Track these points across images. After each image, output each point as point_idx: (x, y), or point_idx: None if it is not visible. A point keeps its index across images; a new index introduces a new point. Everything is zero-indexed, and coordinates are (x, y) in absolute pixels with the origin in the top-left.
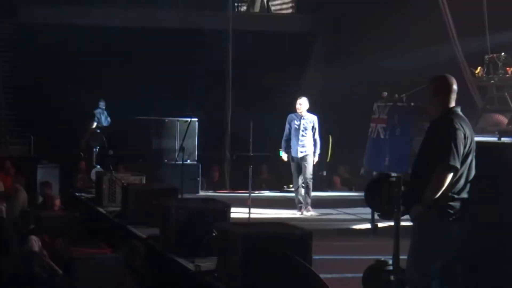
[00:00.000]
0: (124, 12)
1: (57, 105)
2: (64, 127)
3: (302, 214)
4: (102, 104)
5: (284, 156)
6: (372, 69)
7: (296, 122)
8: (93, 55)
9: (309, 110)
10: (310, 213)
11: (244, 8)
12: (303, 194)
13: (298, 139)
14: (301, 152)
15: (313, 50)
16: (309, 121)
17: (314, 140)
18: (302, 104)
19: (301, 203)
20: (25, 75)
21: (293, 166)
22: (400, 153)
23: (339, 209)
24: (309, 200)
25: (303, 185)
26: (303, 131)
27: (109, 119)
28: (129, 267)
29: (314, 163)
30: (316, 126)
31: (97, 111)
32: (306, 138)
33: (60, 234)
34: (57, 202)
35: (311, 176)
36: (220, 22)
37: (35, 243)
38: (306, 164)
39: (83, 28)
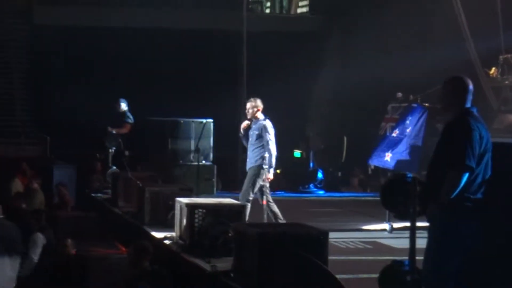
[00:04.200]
0: (139, 13)
1: (73, 106)
2: (80, 127)
3: None
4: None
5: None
6: (387, 69)
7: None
8: (108, 56)
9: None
10: None
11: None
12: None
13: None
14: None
15: (327, 50)
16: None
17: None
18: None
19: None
20: (41, 77)
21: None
22: (409, 153)
23: (354, 210)
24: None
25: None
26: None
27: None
28: (136, 268)
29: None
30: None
31: (126, 109)
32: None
33: (75, 234)
34: (70, 202)
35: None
36: (234, 23)
37: (40, 240)
38: None
39: (98, 29)
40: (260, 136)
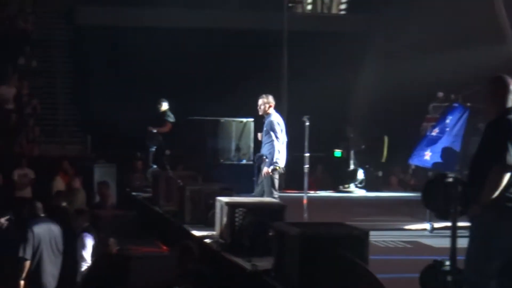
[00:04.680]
0: (178, 13)
1: (114, 105)
2: (121, 127)
3: None
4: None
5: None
6: (428, 69)
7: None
8: (149, 56)
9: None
10: None
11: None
12: None
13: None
14: None
15: (367, 50)
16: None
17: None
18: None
19: None
20: (82, 76)
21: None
22: (448, 152)
23: (395, 209)
24: None
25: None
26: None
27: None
28: (180, 267)
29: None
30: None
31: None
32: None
33: (116, 233)
34: (111, 200)
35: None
36: (275, 22)
37: (88, 240)
38: None
39: (139, 29)
40: (268, 133)
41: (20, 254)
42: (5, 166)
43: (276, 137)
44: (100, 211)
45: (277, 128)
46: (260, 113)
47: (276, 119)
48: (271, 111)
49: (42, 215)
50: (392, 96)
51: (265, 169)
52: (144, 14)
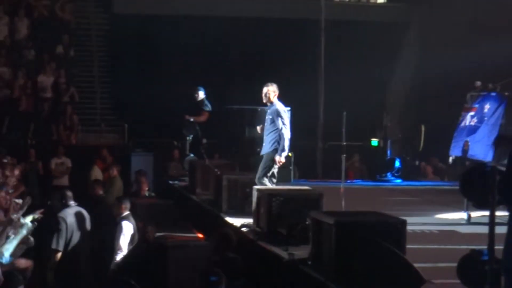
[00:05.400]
0: (216, 2)
1: (151, 94)
2: (158, 115)
3: None
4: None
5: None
6: (465, 58)
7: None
8: (185, 44)
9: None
10: None
11: None
12: None
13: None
14: None
15: (407, 40)
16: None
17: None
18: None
19: None
20: (119, 65)
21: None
22: (486, 141)
23: (432, 199)
24: None
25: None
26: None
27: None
28: (216, 254)
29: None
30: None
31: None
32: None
33: (153, 221)
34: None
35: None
36: (312, 11)
37: (127, 229)
38: None
39: (176, 18)
40: (274, 121)
41: (53, 245)
42: (43, 155)
43: (284, 124)
44: (137, 200)
45: (284, 116)
46: (264, 101)
47: (282, 107)
48: (275, 100)
49: (73, 203)
50: (429, 85)
51: (277, 158)
52: (182, 3)
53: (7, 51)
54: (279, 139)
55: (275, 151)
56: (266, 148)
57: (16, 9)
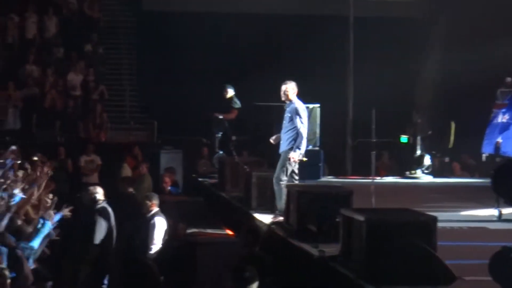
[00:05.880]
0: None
1: (180, 91)
2: (187, 113)
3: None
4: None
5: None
6: (494, 54)
7: None
8: (214, 41)
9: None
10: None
11: None
12: None
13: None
14: None
15: (434, 36)
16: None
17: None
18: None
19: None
20: (148, 62)
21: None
22: None
23: (462, 195)
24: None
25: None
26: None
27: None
28: (246, 249)
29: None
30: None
31: (233, 94)
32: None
33: (183, 219)
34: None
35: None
36: (341, 8)
37: (159, 225)
38: None
39: (204, 15)
40: (292, 119)
41: (96, 241)
42: (72, 153)
43: (302, 122)
44: (167, 197)
45: (303, 114)
46: (283, 99)
47: (301, 105)
48: (294, 98)
49: (102, 199)
50: (459, 81)
51: (291, 154)
52: (210, 1)
53: (36, 49)
54: (297, 137)
55: (292, 149)
56: (283, 146)
57: (45, 7)
